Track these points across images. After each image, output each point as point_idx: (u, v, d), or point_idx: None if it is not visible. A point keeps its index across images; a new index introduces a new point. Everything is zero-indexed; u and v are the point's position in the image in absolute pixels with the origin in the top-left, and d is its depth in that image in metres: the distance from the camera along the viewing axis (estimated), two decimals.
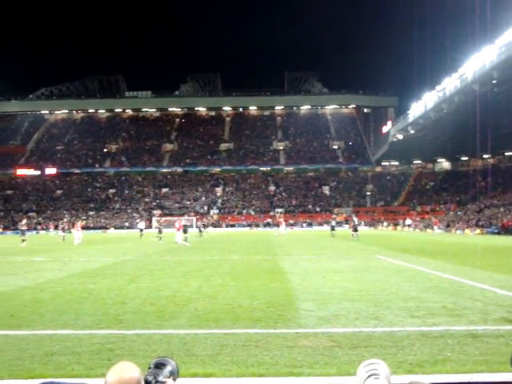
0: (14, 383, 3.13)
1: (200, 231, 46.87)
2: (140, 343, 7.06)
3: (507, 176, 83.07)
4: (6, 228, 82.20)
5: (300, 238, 45.81)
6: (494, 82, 58.01)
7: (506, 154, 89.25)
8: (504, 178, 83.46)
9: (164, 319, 8.80)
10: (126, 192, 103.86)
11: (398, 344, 6.88)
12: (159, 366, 2.23)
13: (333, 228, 50.54)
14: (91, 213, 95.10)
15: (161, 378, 2.13)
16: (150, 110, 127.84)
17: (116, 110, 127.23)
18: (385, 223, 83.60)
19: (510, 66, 52.91)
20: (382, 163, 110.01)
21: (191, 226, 43.31)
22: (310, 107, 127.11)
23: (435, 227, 64.42)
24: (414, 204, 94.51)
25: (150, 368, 2.21)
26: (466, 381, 3.12)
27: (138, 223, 53.80)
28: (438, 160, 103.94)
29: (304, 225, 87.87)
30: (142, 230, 48.63)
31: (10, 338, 7.51)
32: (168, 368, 2.23)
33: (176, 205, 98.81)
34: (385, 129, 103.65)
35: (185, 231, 37.11)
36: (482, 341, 7.01)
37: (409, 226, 76.07)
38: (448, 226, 68.19)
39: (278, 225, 65.07)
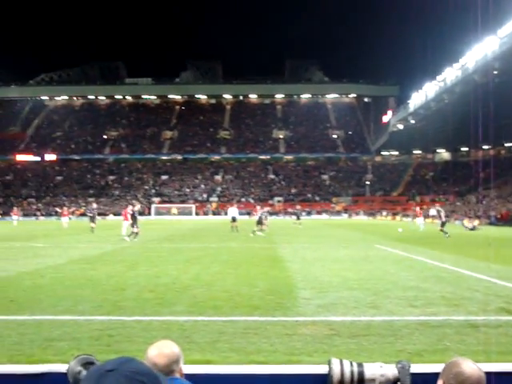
0: (14, 368, 3.10)
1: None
2: (139, 330, 7.08)
3: (507, 167, 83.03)
4: (5, 214, 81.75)
5: (299, 227, 45.65)
6: (496, 72, 57.81)
7: (506, 144, 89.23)
8: (503, 168, 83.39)
9: (163, 306, 8.80)
10: (126, 179, 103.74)
11: (397, 333, 6.89)
12: None
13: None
14: (90, 199, 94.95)
15: None
16: (151, 97, 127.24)
17: (116, 97, 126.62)
18: (384, 213, 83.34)
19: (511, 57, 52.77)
20: (382, 153, 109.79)
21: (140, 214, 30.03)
22: (310, 96, 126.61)
23: (418, 219, 47.70)
24: (413, 194, 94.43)
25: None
26: None
27: (228, 209, 39.77)
28: (438, 150, 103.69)
29: (303, 213, 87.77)
30: (234, 220, 34.86)
31: (10, 323, 7.53)
32: None
33: (175, 192, 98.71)
34: (385, 118, 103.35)
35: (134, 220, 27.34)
36: (480, 331, 7.02)
37: (433, 217, 58.38)
38: (447, 216, 67.76)
39: (252, 213, 54.05)
